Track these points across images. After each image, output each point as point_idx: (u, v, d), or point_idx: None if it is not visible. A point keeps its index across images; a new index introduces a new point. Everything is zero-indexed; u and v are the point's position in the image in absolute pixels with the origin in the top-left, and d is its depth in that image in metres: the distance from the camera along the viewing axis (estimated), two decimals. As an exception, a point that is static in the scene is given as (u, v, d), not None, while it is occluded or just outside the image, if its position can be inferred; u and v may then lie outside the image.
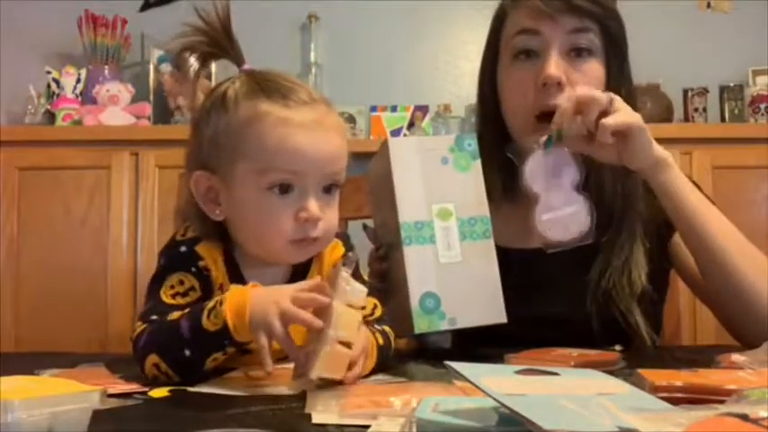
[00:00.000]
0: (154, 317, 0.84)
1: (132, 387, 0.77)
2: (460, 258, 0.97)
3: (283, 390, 0.75)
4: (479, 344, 0.99)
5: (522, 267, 1.11)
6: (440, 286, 0.95)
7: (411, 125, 2.74)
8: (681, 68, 2.65)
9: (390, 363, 0.89)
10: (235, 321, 0.77)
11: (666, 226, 1.15)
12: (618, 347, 1.05)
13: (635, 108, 1.05)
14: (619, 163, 1.04)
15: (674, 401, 0.57)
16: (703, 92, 2.65)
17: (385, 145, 1.01)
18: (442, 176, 0.99)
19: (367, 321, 0.92)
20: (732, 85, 2.67)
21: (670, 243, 1.17)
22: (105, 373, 0.87)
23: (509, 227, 1.14)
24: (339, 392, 0.72)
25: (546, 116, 1.09)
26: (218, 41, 0.92)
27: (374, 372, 0.84)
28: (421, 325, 0.94)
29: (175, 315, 0.82)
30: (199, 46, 0.92)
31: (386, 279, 1.05)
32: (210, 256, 0.90)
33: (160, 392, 0.76)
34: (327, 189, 0.89)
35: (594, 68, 1.13)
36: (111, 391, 0.74)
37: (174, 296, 0.86)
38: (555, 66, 1.09)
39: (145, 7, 2.79)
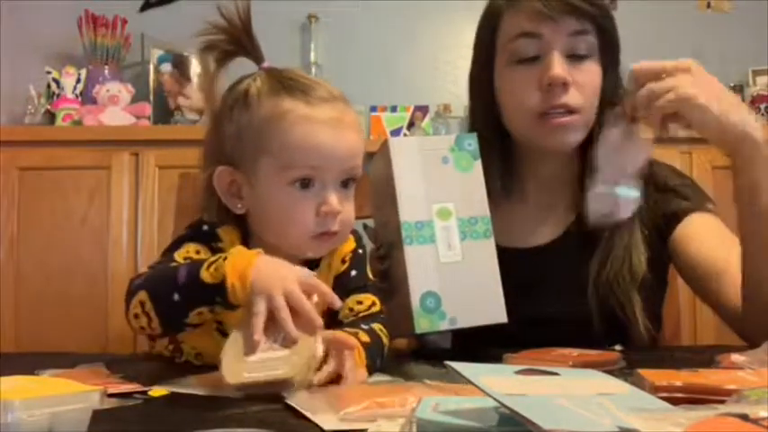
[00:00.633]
0: (163, 265, 0.86)
1: (132, 387, 0.77)
2: (461, 258, 0.97)
3: (283, 390, 0.75)
4: (479, 344, 0.99)
5: (520, 267, 1.11)
6: (440, 286, 0.95)
7: (411, 125, 2.74)
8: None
9: (384, 360, 0.89)
10: (234, 281, 0.77)
11: (669, 220, 1.15)
12: (618, 347, 1.05)
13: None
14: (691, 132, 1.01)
15: (674, 401, 0.57)
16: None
17: (385, 145, 1.01)
18: (443, 176, 0.99)
19: (361, 318, 0.93)
20: (732, 85, 2.67)
21: (671, 238, 1.16)
22: (105, 373, 0.87)
23: (507, 226, 1.15)
24: (339, 392, 0.72)
25: (548, 114, 1.11)
26: (239, 39, 0.94)
27: (369, 370, 0.84)
28: (422, 324, 0.94)
29: (177, 262, 0.84)
30: (220, 44, 0.94)
31: (386, 278, 1.05)
32: (229, 241, 0.92)
33: (160, 392, 0.76)
34: (345, 183, 0.91)
35: (593, 69, 1.14)
36: (111, 391, 0.74)
37: (186, 260, 0.87)
38: (559, 67, 1.10)
39: (145, 7, 2.79)
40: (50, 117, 2.57)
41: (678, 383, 0.63)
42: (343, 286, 0.96)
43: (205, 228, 0.93)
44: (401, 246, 0.96)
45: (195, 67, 2.50)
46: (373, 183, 1.11)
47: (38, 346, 2.01)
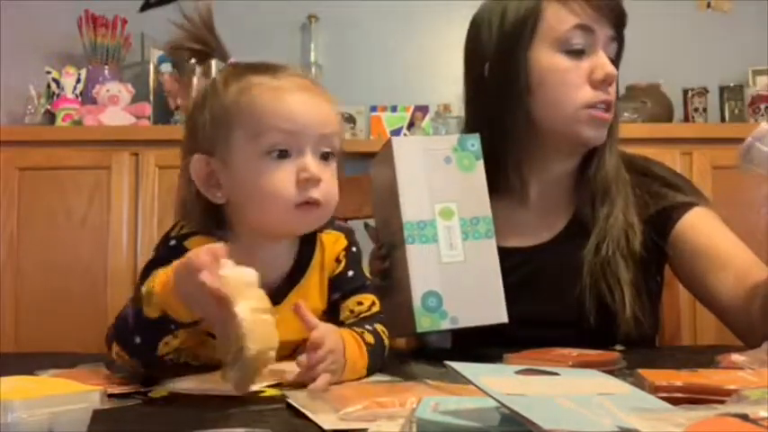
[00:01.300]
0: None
1: (132, 387, 0.77)
2: (463, 258, 0.97)
3: (283, 390, 0.75)
4: (479, 344, 0.99)
5: (518, 266, 1.11)
6: (442, 285, 0.95)
7: (411, 125, 2.74)
8: (681, 68, 2.65)
9: (385, 361, 0.89)
10: (170, 303, 0.75)
11: (668, 214, 1.16)
12: (618, 347, 1.05)
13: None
14: None
15: (674, 401, 0.57)
16: (703, 92, 2.65)
17: (388, 144, 1.01)
18: (445, 176, 0.99)
19: (363, 318, 0.93)
20: (732, 85, 2.67)
21: (673, 230, 1.16)
22: (105, 373, 0.87)
23: (503, 225, 1.14)
24: (339, 392, 0.72)
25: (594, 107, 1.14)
26: (202, 38, 0.94)
27: (370, 371, 0.84)
28: (423, 323, 0.94)
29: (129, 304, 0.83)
30: (185, 43, 0.94)
31: (387, 278, 1.05)
32: None
33: (160, 392, 0.76)
34: (325, 156, 0.89)
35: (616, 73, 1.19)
36: (111, 391, 0.74)
37: None
38: (610, 64, 1.15)
39: (145, 7, 2.79)
40: (50, 117, 2.57)
41: (678, 383, 0.63)
42: (342, 287, 0.95)
43: (172, 243, 0.91)
44: (403, 245, 0.96)
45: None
46: (375, 183, 1.11)
47: (38, 346, 2.02)
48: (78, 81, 2.61)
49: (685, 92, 2.66)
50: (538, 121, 1.17)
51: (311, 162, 0.87)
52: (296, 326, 0.80)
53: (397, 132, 2.72)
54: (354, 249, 0.98)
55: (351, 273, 0.96)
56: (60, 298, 2.30)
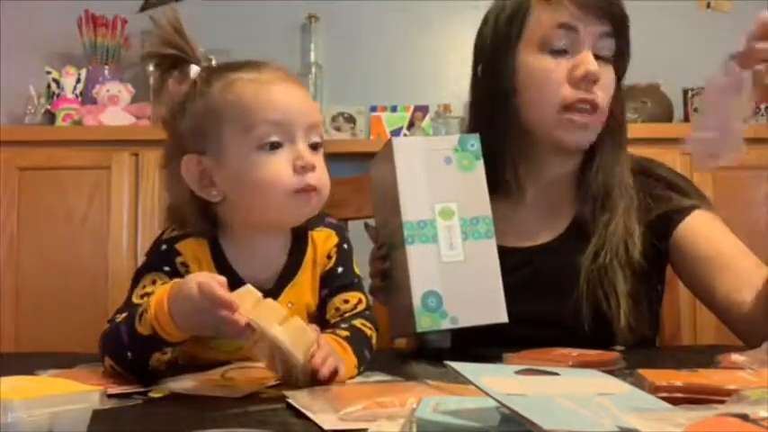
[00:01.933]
0: (117, 316, 0.86)
1: (132, 387, 0.77)
2: (463, 258, 0.97)
3: (283, 390, 0.75)
4: (479, 344, 0.99)
5: (517, 266, 1.11)
6: (442, 285, 0.96)
7: (411, 125, 2.74)
8: (681, 68, 2.65)
9: (372, 351, 0.90)
10: (161, 321, 0.78)
11: (669, 218, 1.15)
12: (618, 347, 1.05)
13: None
14: None
15: (674, 401, 0.57)
16: (703, 92, 2.65)
17: (389, 144, 1.01)
18: (445, 176, 0.99)
19: (347, 317, 0.93)
20: (732, 85, 2.67)
21: (674, 234, 1.16)
22: (105, 373, 0.87)
23: (503, 225, 1.14)
24: (339, 392, 0.72)
25: (574, 109, 1.13)
26: (174, 43, 0.93)
27: (360, 360, 0.86)
28: (423, 323, 0.94)
29: (120, 317, 0.84)
30: (159, 49, 0.94)
31: (387, 278, 1.05)
32: (192, 252, 0.92)
33: (160, 392, 0.76)
34: (313, 146, 0.91)
35: (611, 73, 1.17)
36: (111, 391, 0.74)
37: (142, 296, 0.88)
38: (593, 63, 1.13)
39: (145, 7, 2.79)
40: (50, 117, 2.57)
41: (678, 383, 0.63)
42: (331, 284, 0.96)
43: (163, 247, 0.92)
44: (403, 245, 0.97)
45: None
46: (375, 183, 1.11)
47: (38, 346, 2.01)
48: (78, 81, 2.60)
49: (685, 92, 2.65)
50: (525, 123, 1.18)
51: (305, 150, 0.89)
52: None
53: (397, 132, 2.72)
54: (346, 246, 0.98)
55: (340, 269, 0.96)
56: (60, 298, 2.30)
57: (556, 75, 1.14)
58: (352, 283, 0.97)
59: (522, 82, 1.17)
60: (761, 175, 2.29)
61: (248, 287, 0.78)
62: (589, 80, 1.13)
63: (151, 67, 2.69)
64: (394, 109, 2.75)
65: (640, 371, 0.68)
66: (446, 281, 0.96)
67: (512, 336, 0.96)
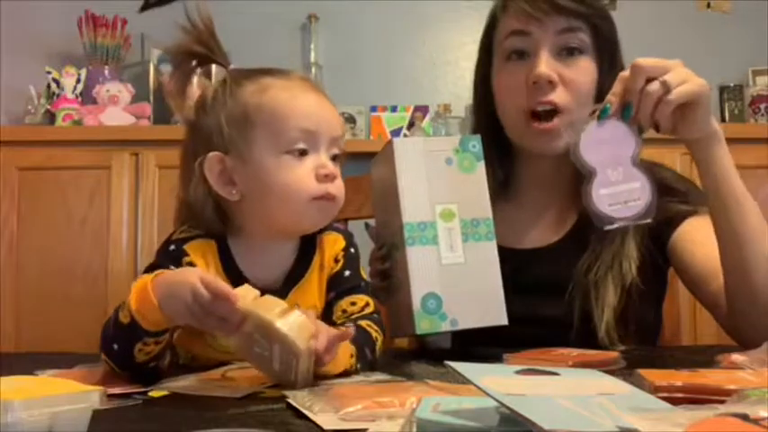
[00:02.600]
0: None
1: (132, 387, 0.77)
2: (463, 260, 0.97)
3: (283, 390, 0.75)
4: (479, 344, 0.99)
5: (516, 268, 1.11)
6: (442, 287, 0.95)
7: (411, 125, 2.74)
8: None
9: (375, 354, 0.90)
10: (140, 310, 0.79)
11: (667, 224, 1.15)
12: (618, 347, 1.05)
13: None
14: (672, 134, 1.00)
15: (674, 401, 0.57)
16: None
17: (389, 145, 1.01)
18: (446, 177, 0.99)
19: (354, 319, 0.93)
20: (732, 85, 2.67)
21: (670, 241, 1.16)
22: (105, 373, 0.87)
23: (505, 227, 1.15)
24: (339, 392, 0.72)
25: (537, 114, 1.12)
26: (206, 43, 0.95)
27: (358, 358, 0.86)
28: (422, 325, 0.94)
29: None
30: (190, 46, 0.95)
31: (387, 278, 1.05)
32: (199, 253, 0.92)
33: (160, 392, 0.76)
34: (332, 158, 0.93)
35: (586, 66, 1.15)
36: (111, 391, 0.74)
37: None
38: (545, 64, 1.11)
39: (145, 7, 2.79)
40: (50, 117, 2.57)
41: (678, 383, 0.63)
42: (338, 287, 0.96)
43: (172, 248, 0.93)
44: (403, 246, 0.96)
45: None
46: (375, 183, 1.11)
47: (38, 346, 2.02)
48: (78, 81, 2.61)
49: (685, 92, 2.65)
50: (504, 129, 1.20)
51: (327, 160, 0.92)
52: None
53: (396, 132, 2.72)
54: (352, 251, 0.99)
55: (347, 272, 0.97)
56: (60, 298, 2.30)
57: (514, 82, 1.15)
58: (359, 287, 0.97)
59: (495, 92, 1.20)
60: (761, 175, 2.30)
61: (246, 286, 0.79)
62: (540, 83, 1.12)
63: (156, 64, 2.69)
64: (394, 109, 2.75)
65: (640, 371, 0.68)
66: (446, 283, 0.96)
67: (512, 336, 0.96)
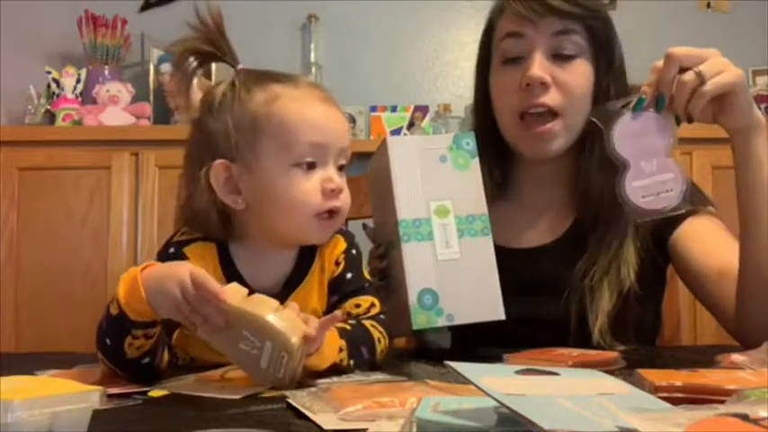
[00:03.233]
0: None
1: (132, 387, 0.77)
2: (458, 255, 0.97)
3: (282, 390, 0.75)
4: (479, 344, 0.99)
5: (514, 267, 1.11)
6: (438, 283, 0.96)
7: (411, 125, 2.74)
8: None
9: (376, 355, 0.90)
10: (131, 303, 0.79)
11: (667, 224, 1.15)
12: (618, 347, 1.05)
13: None
14: (712, 123, 0.99)
15: (674, 401, 0.57)
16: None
17: (384, 144, 1.01)
18: (441, 174, 1.00)
19: (359, 319, 0.93)
20: (732, 85, 2.66)
21: (670, 240, 1.16)
22: (105, 373, 0.87)
23: (503, 226, 1.15)
24: (339, 392, 0.72)
25: (530, 117, 1.12)
26: (215, 42, 0.94)
27: (351, 355, 0.86)
28: (419, 321, 0.94)
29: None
30: (199, 45, 0.94)
31: (385, 277, 1.05)
32: (199, 256, 0.92)
33: (160, 392, 0.76)
34: (340, 168, 0.93)
35: (581, 68, 1.14)
36: (111, 391, 0.74)
37: None
38: (538, 67, 1.11)
39: (145, 7, 2.79)
40: (50, 117, 2.57)
41: (678, 383, 0.63)
42: (340, 290, 0.96)
43: (171, 251, 0.92)
44: (399, 243, 0.97)
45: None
46: (371, 182, 1.11)
47: (38, 346, 2.01)
48: (78, 81, 2.61)
49: (685, 92, 2.65)
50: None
51: (335, 173, 0.91)
52: None
53: (397, 132, 2.72)
54: (354, 252, 0.98)
55: (349, 275, 0.97)
56: (60, 298, 2.30)
57: (509, 85, 1.15)
58: (362, 288, 0.97)
59: (492, 94, 1.20)
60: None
61: (235, 284, 0.80)
62: (533, 85, 1.11)
63: (156, 64, 2.68)
64: (394, 109, 2.75)
65: (640, 371, 0.68)
66: (442, 279, 0.96)
67: (510, 335, 0.96)
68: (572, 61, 1.13)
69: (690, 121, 0.97)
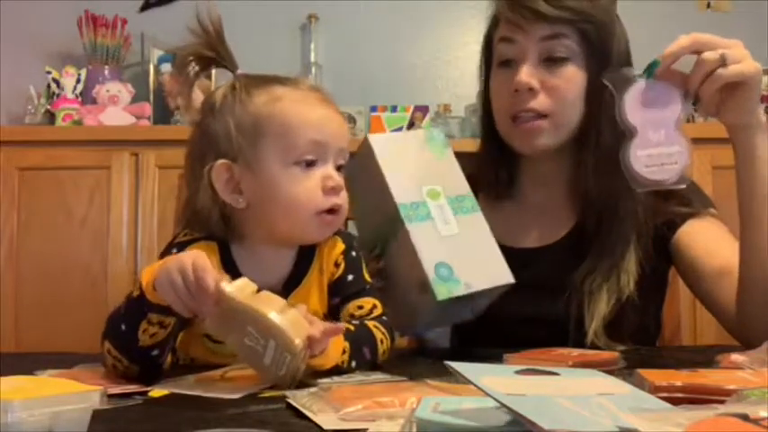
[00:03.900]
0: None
1: (132, 387, 0.77)
2: (458, 231, 1.00)
3: (283, 390, 0.75)
4: (479, 344, 1.00)
5: (517, 266, 1.11)
6: (448, 256, 0.98)
7: (411, 125, 2.73)
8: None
9: (378, 355, 0.90)
10: (147, 281, 0.80)
11: (668, 226, 1.15)
12: (618, 347, 1.05)
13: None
14: (714, 115, 0.99)
15: (674, 401, 0.57)
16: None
17: (366, 141, 1.05)
18: (424, 163, 1.05)
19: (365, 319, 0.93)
20: (732, 85, 2.66)
21: (671, 242, 1.16)
22: (105, 373, 0.87)
23: (507, 226, 1.15)
24: (339, 392, 0.72)
25: (519, 118, 1.13)
26: (215, 47, 0.95)
27: (353, 356, 0.86)
28: (441, 292, 0.96)
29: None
30: (199, 50, 0.95)
31: (384, 277, 1.05)
32: None
33: (160, 392, 0.76)
34: (337, 168, 0.94)
35: (572, 73, 1.13)
36: (111, 391, 0.74)
37: None
38: (525, 73, 1.12)
39: (145, 7, 2.79)
40: (50, 117, 2.57)
41: (678, 383, 0.63)
42: (342, 292, 0.96)
43: (174, 251, 0.93)
44: (402, 227, 0.98)
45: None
46: (355, 183, 1.11)
47: (38, 347, 2.01)
48: (78, 81, 2.60)
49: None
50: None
51: (334, 171, 0.92)
52: None
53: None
54: (354, 254, 0.98)
55: (350, 277, 0.97)
56: (60, 298, 2.30)
57: (503, 87, 1.16)
58: (364, 290, 0.97)
59: (490, 96, 1.21)
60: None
61: (245, 279, 0.80)
62: (520, 91, 1.12)
63: (156, 64, 2.69)
64: (394, 109, 2.74)
65: (640, 371, 0.68)
66: (450, 252, 0.98)
67: (511, 335, 0.96)
68: (562, 65, 1.13)
69: (695, 102, 0.96)
